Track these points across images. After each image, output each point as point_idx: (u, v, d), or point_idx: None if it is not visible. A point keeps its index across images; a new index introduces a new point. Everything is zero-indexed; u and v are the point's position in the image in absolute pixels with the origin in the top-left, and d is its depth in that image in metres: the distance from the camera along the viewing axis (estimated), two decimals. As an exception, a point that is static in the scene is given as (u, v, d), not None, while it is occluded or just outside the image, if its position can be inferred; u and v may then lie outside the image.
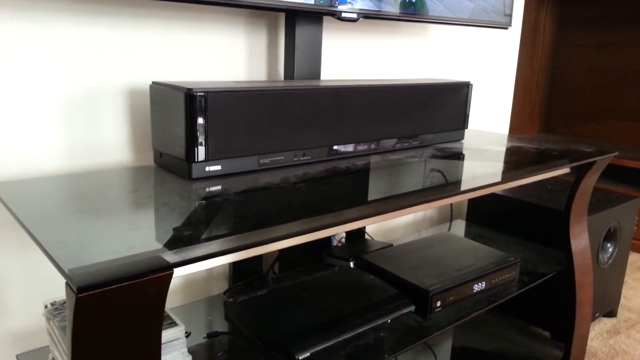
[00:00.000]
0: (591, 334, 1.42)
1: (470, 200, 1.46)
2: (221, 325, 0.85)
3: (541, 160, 0.96)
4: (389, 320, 0.83)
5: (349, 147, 0.91)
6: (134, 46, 0.85)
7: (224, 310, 0.89)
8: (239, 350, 0.78)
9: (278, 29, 1.02)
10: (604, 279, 1.41)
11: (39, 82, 0.77)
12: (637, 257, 1.98)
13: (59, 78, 0.79)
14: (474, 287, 0.94)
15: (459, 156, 0.97)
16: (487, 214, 1.41)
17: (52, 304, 0.70)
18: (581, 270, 1.13)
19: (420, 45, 1.33)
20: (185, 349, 0.69)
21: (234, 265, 1.00)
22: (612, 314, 1.52)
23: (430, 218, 1.49)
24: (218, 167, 0.75)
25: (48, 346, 0.81)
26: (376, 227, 1.34)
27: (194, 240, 0.52)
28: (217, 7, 0.93)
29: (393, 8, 1.00)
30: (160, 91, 0.76)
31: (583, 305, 1.15)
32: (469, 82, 1.09)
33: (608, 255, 1.40)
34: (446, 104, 1.05)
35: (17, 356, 0.77)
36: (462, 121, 1.10)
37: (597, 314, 1.44)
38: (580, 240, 1.12)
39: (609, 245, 1.40)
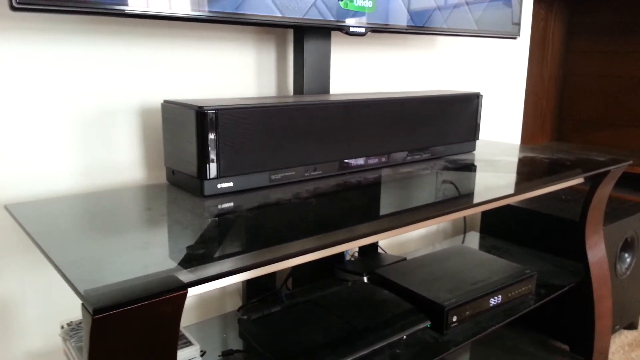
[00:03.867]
0: (612, 348, 1.39)
1: (484, 212, 1.44)
2: (236, 343, 0.84)
3: (554, 170, 0.95)
4: (405, 337, 0.82)
5: (360, 161, 0.91)
6: (146, 65, 0.86)
7: (238, 328, 0.88)
8: (254, 368, 0.77)
9: (287, 44, 1.03)
10: (623, 290, 1.38)
11: (52, 102, 0.78)
12: (656, 267, 1.94)
13: (72, 98, 0.80)
14: (491, 301, 0.93)
15: (471, 168, 0.96)
16: (501, 225, 1.40)
17: (68, 324, 0.70)
18: (599, 281, 1.11)
19: (428, 57, 1.33)
20: (200, 368, 0.68)
21: (247, 281, 0.99)
22: (632, 326, 1.49)
23: (444, 230, 1.48)
24: (230, 184, 0.75)
25: (63, 366, 0.81)
26: (389, 241, 1.33)
27: (207, 259, 0.52)
28: (226, 25, 0.94)
29: (401, 21, 1.00)
30: (171, 109, 0.77)
31: (602, 317, 1.13)
32: (479, 92, 1.08)
33: (626, 266, 1.37)
34: (457, 115, 1.05)
35: (32, 377, 0.77)
36: (473, 132, 1.10)
37: (617, 327, 1.41)
38: (596, 251, 1.10)
39: (626, 255, 1.37)
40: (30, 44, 0.75)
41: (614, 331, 1.42)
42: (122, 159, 0.86)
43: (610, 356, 1.35)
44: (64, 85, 0.79)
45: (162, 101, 0.80)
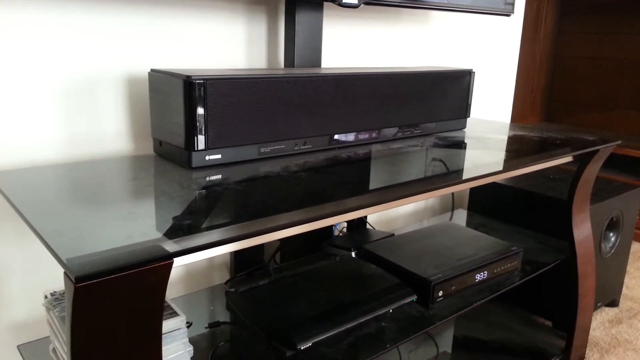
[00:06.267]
0: (593, 324, 1.42)
1: (472, 190, 1.45)
2: (223, 315, 0.84)
3: (543, 148, 0.95)
4: (391, 310, 0.82)
5: (350, 136, 0.90)
6: (133, 33, 0.84)
7: (226, 300, 0.88)
8: (241, 340, 0.77)
9: (278, 15, 1.01)
10: (606, 269, 1.41)
11: (36, 70, 0.76)
12: (639, 247, 1.98)
13: (56, 66, 0.78)
14: (476, 277, 0.94)
15: (460, 145, 0.96)
16: (489, 203, 1.40)
17: (52, 294, 0.70)
18: (583, 259, 1.12)
19: (421, 33, 1.31)
20: (187, 339, 0.68)
21: (235, 255, 0.99)
22: (614, 303, 1.52)
23: (432, 207, 1.48)
24: (218, 156, 0.74)
25: (49, 337, 0.80)
26: (377, 217, 1.34)
27: (194, 230, 0.51)
28: (216, -6, 0.92)
29: (395, -6, 0.99)
30: (159, 79, 0.75)
31: (585, 294, 1.15)
32: (471, 70, 1.07)
33: (610, 245, 1.39)
34: (448, 92, 1.04)
35: (18, 347, 0.77)
36: (464, 110, 1.09)
37: (599, 304, 1.44)
38: (582, 230, 1.11)
39: (611, 234, 1.39)
40: (12, 9, 0.72)
41: (595, 308, 1.45)
42: (107, 129, 0.84)
43: (591, 332, 1.38)
44: (49, 52, 0.77)
45: (149, 70, 0.79)
